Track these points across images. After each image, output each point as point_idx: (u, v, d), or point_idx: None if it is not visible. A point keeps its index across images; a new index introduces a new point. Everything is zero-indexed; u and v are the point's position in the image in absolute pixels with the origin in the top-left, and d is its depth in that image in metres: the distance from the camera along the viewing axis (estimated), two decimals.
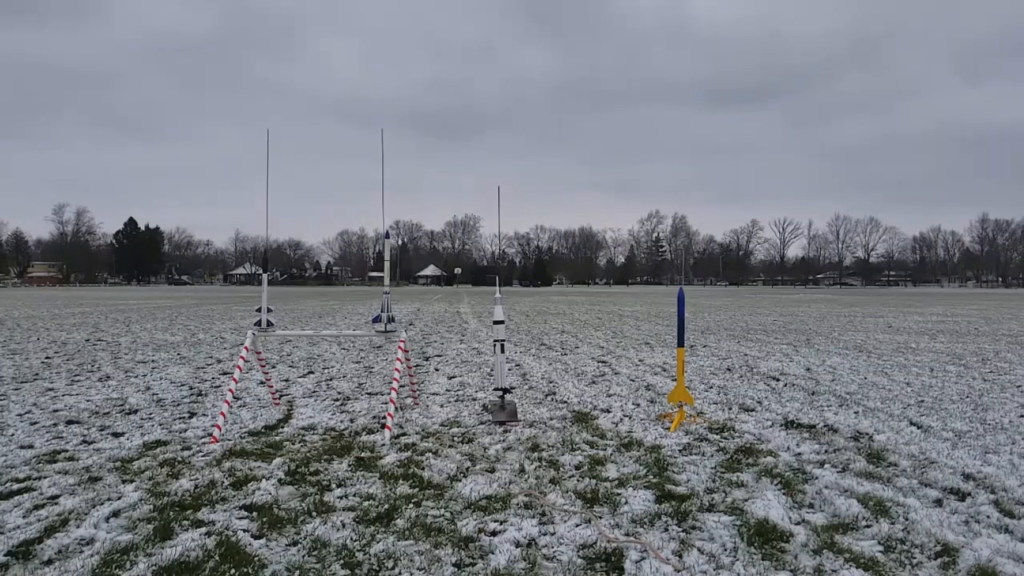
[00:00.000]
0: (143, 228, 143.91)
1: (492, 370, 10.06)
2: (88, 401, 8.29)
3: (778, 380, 10.01)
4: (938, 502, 4.61)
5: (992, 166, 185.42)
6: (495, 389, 7.24)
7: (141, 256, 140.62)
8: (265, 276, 7.84)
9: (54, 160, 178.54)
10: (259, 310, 7.26)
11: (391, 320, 7.31)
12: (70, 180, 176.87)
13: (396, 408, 6.76)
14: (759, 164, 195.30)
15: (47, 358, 12.71)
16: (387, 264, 7.78)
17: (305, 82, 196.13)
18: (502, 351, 7.21)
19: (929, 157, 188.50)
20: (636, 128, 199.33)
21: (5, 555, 3.70)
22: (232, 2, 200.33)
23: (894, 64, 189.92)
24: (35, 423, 7.06)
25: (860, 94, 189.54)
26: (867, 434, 6.53)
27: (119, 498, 4.64)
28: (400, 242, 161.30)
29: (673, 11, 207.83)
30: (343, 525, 4.16)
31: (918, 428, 6.81)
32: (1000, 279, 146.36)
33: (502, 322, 7.27)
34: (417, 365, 11.72)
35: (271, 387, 8.13)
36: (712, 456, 5.75)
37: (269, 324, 7.22)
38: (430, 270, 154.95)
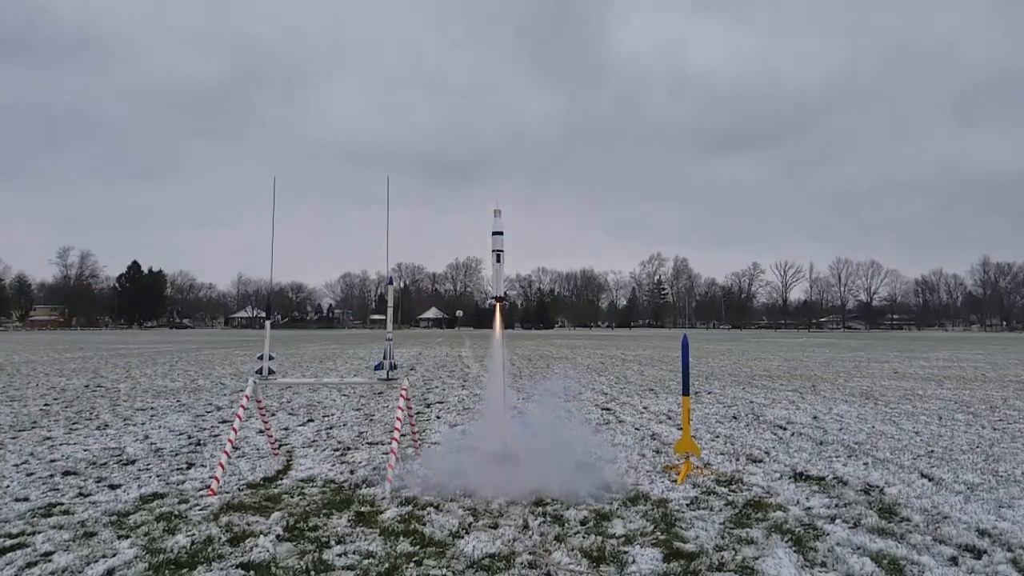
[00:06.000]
0: (146, 271, 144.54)
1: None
2: (86, 451, 8.18)
3: (785, 429, 9.87)
4: (953, 560, 4.49)
5: (991, 209, 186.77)
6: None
7: (144, 300, 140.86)
8: (268, 324, 7.83)
9: (60, 203, 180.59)
10: (261, 357, 7.21)
11: (393, 367, 7.25)
12: (75, 223, 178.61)
13: (397, 459, 6.65)
14: (759, 207, 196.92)
15: (46, 405, 12.60)
16: (390, 310, 7.77)
17: (310, 125, 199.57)
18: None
19: (928, 200, 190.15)
20: (636, 170, 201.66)
21: None
22: (240, 49, 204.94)
23: (890, 108, 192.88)
24: (31, 474, 6.96)
25: (857, 137, 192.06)
26: (878, 487, 6.40)
27: (114, 555, 4.53)
28: (402, 285, 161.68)
29: (671, 57, 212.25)
30: None
31: (929, 480, 6.68)
32: (1004, 323, 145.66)
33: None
34: (418, 412, 11.60)
35: (270, 436, 8.03)
36: (720, 511, 5.63)
37: (270, 372, 7.17)
38: (432, 313, 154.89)
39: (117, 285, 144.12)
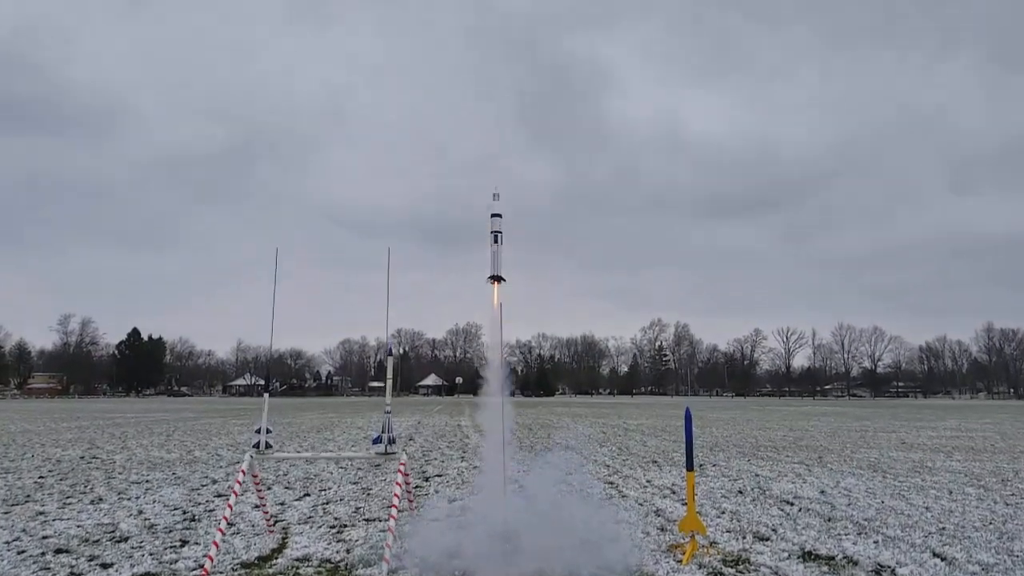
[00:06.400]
0: (146, 338, 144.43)
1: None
2: (79, 527, 8.01)
3: (792, 504, 9.66)
4: None
5: (991, 274, 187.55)
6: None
7: (142, 367, 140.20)
8: (267, 396, 7.80)
9: (61, 269, 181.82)
10: (258, 431, 7.15)
11: (391, 441, 7.18)
12: (76, 289, 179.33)
13: (394, 538, 6.50)
14: (760, 272, 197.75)
15: (40, 477, 12.39)
16: (389, 382, 7.75)
17: (311, 191, 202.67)
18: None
19: (928, 265, 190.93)
20: (636, 236, 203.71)
21: None
22: (246, 119, 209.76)
23: (888, 175, 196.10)
24: (23, 551, 6.79)
25: (857, 204, 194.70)
26: (889, 567, 6.23)
27: None
28: (401, 351, 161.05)
29: (669, 125, 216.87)
30: None
31: (942, 560, 6.50)
32: (1012, 390, 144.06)
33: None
34: (417, 486, 11.39)
35: (266, 513, 7.87)
36: None
37: (268, 446, 7.09)
38: (431, 379, 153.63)
39: (116, 352, 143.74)
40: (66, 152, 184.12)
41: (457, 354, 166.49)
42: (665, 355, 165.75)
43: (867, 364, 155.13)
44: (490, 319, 7.94)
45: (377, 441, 7.17)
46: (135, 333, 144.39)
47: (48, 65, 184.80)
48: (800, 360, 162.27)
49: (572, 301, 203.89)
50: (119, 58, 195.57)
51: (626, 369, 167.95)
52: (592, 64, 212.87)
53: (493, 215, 7.84)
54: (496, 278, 7.69)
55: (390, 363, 7.96)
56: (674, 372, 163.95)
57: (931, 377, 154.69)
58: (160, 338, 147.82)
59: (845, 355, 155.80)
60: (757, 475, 12.96)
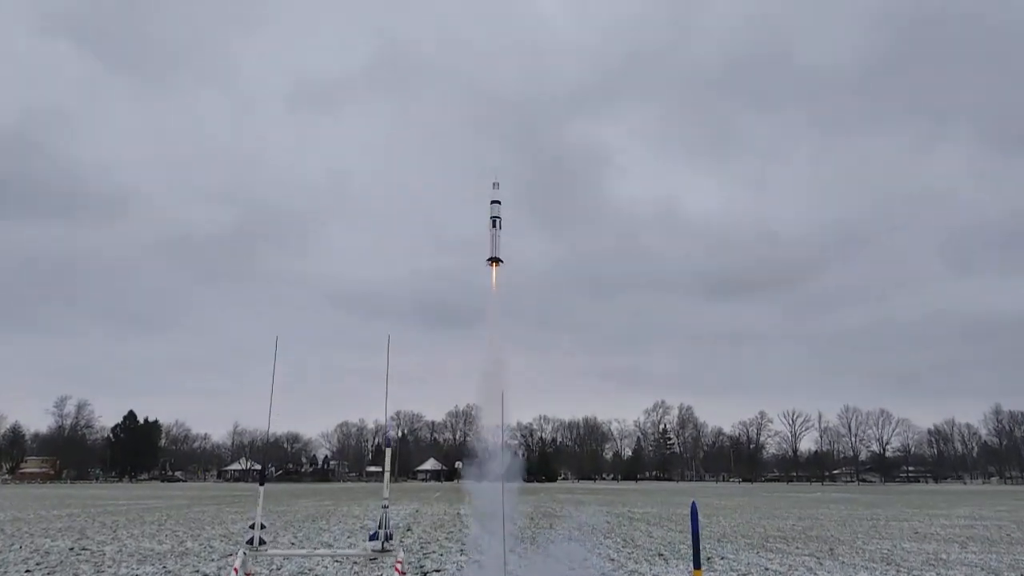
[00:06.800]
0: (142, 421, 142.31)
1: None
2: None
3: None
4: None
5: (997, 354, 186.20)
6: None
7: (137, 451, 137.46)
8: (262, 489, 7.70)
9: (58, 350, 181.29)
10: (252, 526, 7.04)
11: (388, 537, 7.05)
12: (73, 370, 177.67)
13: None
14: (763, 353, 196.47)
15: (27, 571, 12.01)
16: (387, 474, 7.67)
17: (312, 272, 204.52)
18: None
19: (932, 346, 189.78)
20: (637, 316, 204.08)
21: None
22: (250, 201, 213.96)
23: (885, 254, 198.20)
24: None
25: (858, 283, 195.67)
26: None
27: None
28: (400, 434, 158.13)
29: (666, 204, 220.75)
30: None
31: None
32: None
33: None
34: None
35: None
36: None
37: (262, 542, 6.96)
38: (430, 464, 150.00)
39: (111, 435, 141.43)
40: (68, 233, 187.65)
41: (457, 437, 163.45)
42: (669, 438, 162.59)
43: (875, 448, 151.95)
44: (489, 301, 8.26)
45: (374, 537, 7.04)
46: (131, 415, 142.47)
47: (51, 146, 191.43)
48: (807, 443, 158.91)
49: (573, 381, 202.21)
50: (125, 140, 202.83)
51: (630, 453, 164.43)
52: (591, 146, 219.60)
53: (493, 202, 8.29)
54: (494, 259, 8.05)
55: (388, 454, 7.92)
56: (679, 456, 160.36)
57: (941, 461, 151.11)
58: (156, 421, 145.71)
59: (852, 438, 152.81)
60: (767, 569, 12.55)
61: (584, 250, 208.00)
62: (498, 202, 8.56)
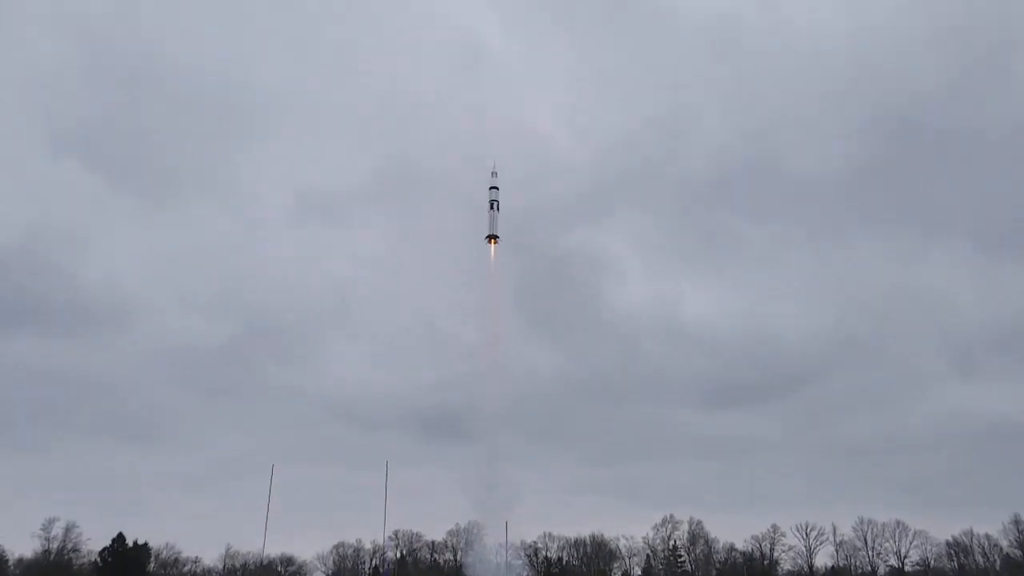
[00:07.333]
0: (131, 544, 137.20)
1: None
2: None
3: None
4: None
5: (1014, 462, 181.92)
6: None
7: None
8: None
9: (47, 469, 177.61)
10: None
11: None
12: (62, 490, 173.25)
13: None
14: (772, 463, 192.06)
15: None
16: None
17: (310, 385, 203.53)
18: None
19: (944, 453, 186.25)
20: (642, 426, 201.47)
21: None
22: (250, 314, 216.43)
23: (893, 359, 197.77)
24: None
25: (865, 390, 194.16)
26: None
27: None
28: (399, 555, 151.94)
29: (666, 311, 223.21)
30: None
31: None
32: None
33: None
34: None
35: None
36: None
37: None
38: None
39: (99, 560, 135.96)
40: (68, 348, 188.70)
41: (458, 557, 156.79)
42: (680, 556, 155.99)
43: (893, 562, 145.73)
44: (488, 276, 8.95)
45: None
46: (120, 539, 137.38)
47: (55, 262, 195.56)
48: (823, 558, 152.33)
49: (579, 496, 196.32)
50: (126, 253, 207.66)
51: (639, 572, 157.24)
52: (588, 254, 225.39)
53: (491, 187, 9.33)
54: (492, 236, 8.91)
55: None
56: (691, 575, 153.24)
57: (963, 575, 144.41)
58: (146, 544, 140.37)
59: (869, 552, 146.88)
60: None
61: (585, 357, 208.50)
62: (496, 188, 9.78)
